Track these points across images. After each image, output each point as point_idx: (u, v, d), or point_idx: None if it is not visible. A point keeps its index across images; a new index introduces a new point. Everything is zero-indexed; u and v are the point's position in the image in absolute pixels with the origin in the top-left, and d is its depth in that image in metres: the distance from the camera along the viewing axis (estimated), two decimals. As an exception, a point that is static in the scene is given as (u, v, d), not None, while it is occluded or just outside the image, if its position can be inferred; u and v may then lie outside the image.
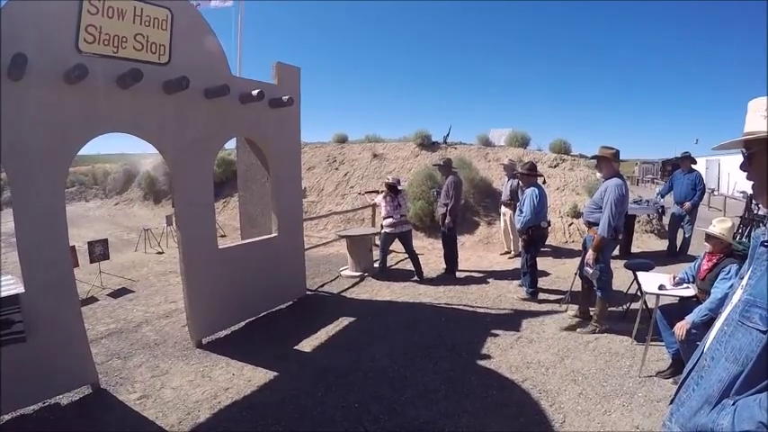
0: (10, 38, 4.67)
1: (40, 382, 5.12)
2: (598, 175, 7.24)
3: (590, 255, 6.36)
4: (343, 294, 9.13)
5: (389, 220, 9.77)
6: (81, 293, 6.58)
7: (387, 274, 10.18)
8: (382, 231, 9.97)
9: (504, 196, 11.65)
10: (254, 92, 6.81)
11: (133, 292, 10.06)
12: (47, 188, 5.14)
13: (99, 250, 10.47)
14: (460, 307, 8.00)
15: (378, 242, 10.83)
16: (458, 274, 10.15)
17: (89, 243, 10.51)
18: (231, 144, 9.37)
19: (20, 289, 5.09)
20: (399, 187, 10.10)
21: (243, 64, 11.03)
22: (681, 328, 4.70)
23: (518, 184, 10.48)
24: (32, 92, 4.92)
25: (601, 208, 6.34)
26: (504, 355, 6.10)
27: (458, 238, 10.66)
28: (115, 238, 16.33)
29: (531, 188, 7.94)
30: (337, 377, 5.68)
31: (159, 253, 14.50)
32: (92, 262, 10.39)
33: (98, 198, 32.30)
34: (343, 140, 21.37)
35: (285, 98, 7.44)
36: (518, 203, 8.56)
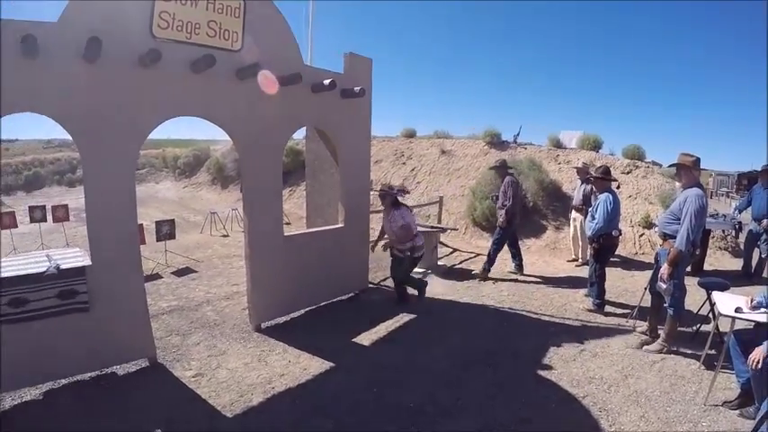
0: (86, 22, 4.87)
1: (99, 351, 5.33)
2: (677, 184, 6.84)
3: (664, 269, 5.95)
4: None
5: (419, 239, 8.04)
6: (146, 270, 6.76)
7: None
8: (410, 256, 7.98)
9: (576, 201, 11.10)
10: (326, 81, 6.83)
11: (196, 272, 10.32)
12: (118, 168, 5.33)
13: (166, 230, 10.75)
14: (524, 313, 7.78)
15: (442, 240, 10.67)
16: (522, 278, 9.91)
17: (157, 222, 10.82)
18: (299, 134, 9.42)
19: (87, 262, 5.33)
20: (401, 198, 8.21)
21: (313, 54, 10.97)
22: (756, 355, 4.32)
23: (591, 189, 10.04)
24: (107, 74, 5.12)
25: (679, 219, 5.94)
26: (566, 367, 5.87)
27: (523, 240, 10.49)
28: (182, 220, 16.79)
29: (605, 194, 7.53)
30: (394, 374, 5.64)
31: (224, 236, 14.86)
32: (158, 240, 10.70)
33: (167, 180, 33.24)
34: (411, 135, 21.22)
35: (357, 89, 7.43)
36: (590, 209, 8.18)
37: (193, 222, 17.08)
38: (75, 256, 5.80)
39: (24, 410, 4.98)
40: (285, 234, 7.16)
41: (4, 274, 4.87)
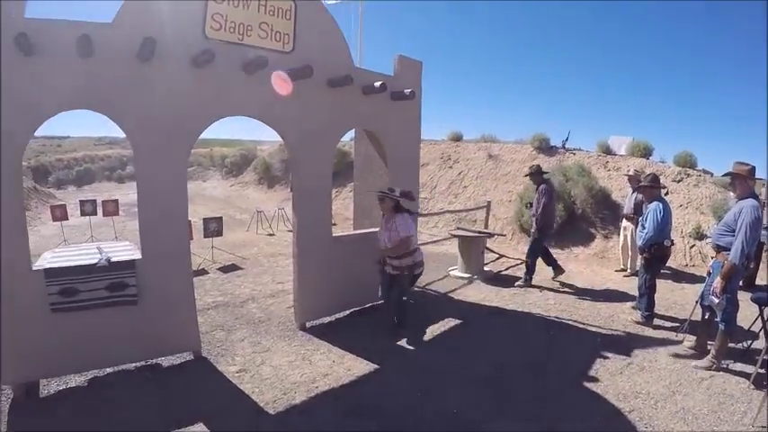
0: (140, 22, 5.02)
1: (144, 342, 5.46)
2: (731, 194, 6.57)
3: (717, 282, 5.71)
4: (450, 295, 8.98)
5: (418, 254, 6.94)
6: (193, 265, 6.87)
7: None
8: (410, 273, 6.88)
9: (627, 209, 10.77)
10: (377, 83, 6.86)
11: (242, 269, 10.49)
12: (170, 165, 5.48)
13: (213, 227, 10.94)
14: (570, 322, 7.64)
15: (488, 245, 10.44)
16: (569, 288, 9.68)
17: (204, 219, 11.06)
18: (346, 135, 9.44)
19: (137, 255, 5.47)
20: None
21: (363, 56, 10.95)
22: None
23: (643, 198, 9.82)
24: (161, 74, 5.27)
25: (733, 231, 5.70)
26: (612, 380, 5.71)
27: (571, 249, 10.32)
28: (228, 217, 17.00)
29: (655, 202, 7.29)
30: (438, 379, 5.59)
31: (270, 235, 15.06)
32: (205, 237, 10.93)
33: (214, 179, 33.78)
34: (457, 138, 21.01)
35: (407, 91, 7.43)
36: (640, 218, 7.94)
37: (239, 220, 17.34)
38: (126, 250, 5.95)
39: (68, 396, 5.15)
40: (333, 234, 7.22)
41: (57, 264, 5.01)
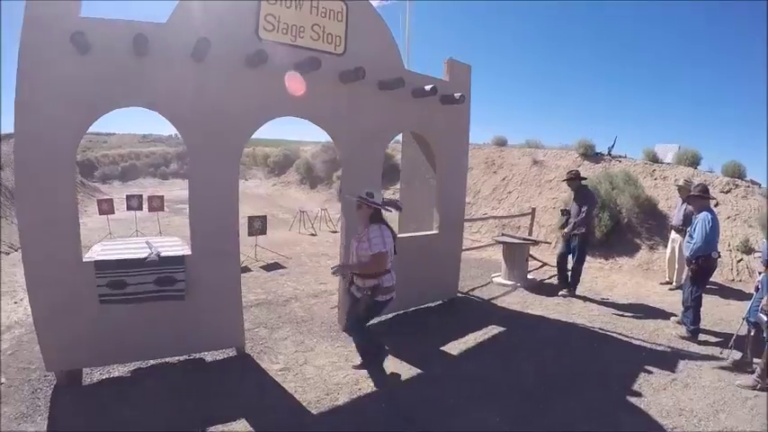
0: (194, 22, 5.14)
1: (189, 337, 5.54)
2: None
3: (766, 300, 5.58)
4: (493, 302, 8.89)
5: (387, 280, 5.44)
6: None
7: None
8: (370, 298, 5.42)
9: (676, 221, 10.39)
10: (428, 87, 6.84)
11: (285, 268, 10.60)
12: (223, 163, 5.58)
13: (258, 225, 11.05)
14: (614, 334, 7.47)
15: (532, 253, 10.17)
16: (614, 300, 9.43)
17: (249, 218, 11.14)
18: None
19: (186, 251, 5.59)
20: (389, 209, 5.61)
21: (409, 58, 10.89)
22: None
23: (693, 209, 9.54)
24: (214, 73, 5.37)
25: None
26: (655, 395, 5.57)
27: (615, 259, 10.07)
28: (271, 216, 17.08)
29: (704, 213, 7.12)
30: (481, 387, 5.54)
31: (312, 235, 15.18)
32: (250, 235, 11.03)
33: (256, 178, 34.16)
34: (502, 143, 20.85)
35: (457, 95, 7.38)
36: (688, 229, 7.73)
37: (282, 220, 17.48)
38: (175, 245, 6.06)
39: (110, 385, 5.30)
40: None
41: (107, 257, 5.11)
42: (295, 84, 5.71)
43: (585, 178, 9.85)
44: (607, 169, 15.63)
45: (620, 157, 17.03)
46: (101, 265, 5.06)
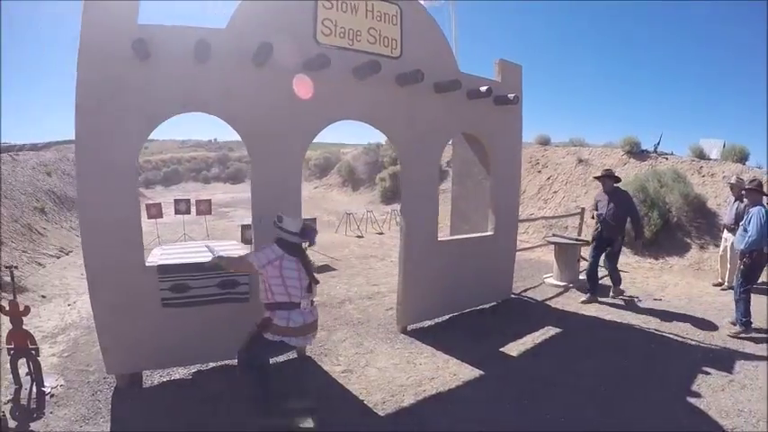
0: (253, 28, 5.22)
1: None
2: None
3: None
4: (547, 303, 8.84)
5: (279, 317, 4.45)
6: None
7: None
8: (256, 329, 4.60)
9: (728, 219, 10.01)
10: (483, 88, 6.80)
11: (335, 270, 10.69)
12: (284, 167, 5.66)
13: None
14: (669, 335, 7.33)
15: (583, 254, 9.88)
16: (667, 300, 9.14)
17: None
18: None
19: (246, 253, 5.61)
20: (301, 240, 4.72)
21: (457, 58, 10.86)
22: None
23: (745, 206, 9.23)
24: (274, 78, 5.46)
25: None
26: (714, 396, 5.48)
27: (665, 258, 9.82)
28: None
29: (758, 207, 7.05)
30: (542, 387, 5.51)
31: (359, 237, 15.25)
32: (301, 238, 11.08)
33: (298, 181, 34.60)
34: (545, 142, 20.51)
35: (511, 96, 7.36)
36: (741, 222, 7.60)
37: (326, 222, 17.58)
38: (235, 248, 6.13)
39: (171, 387, 5.44)
40: (439, 239, 7.23)
41: (168, 261, 5.20)
42: (303, 87, 5.64)
43: (620, 179, 9.30)
44: (654, 167, 15.33)
45: (666, 154, 16.61)
46: (164, 270, 5.18)
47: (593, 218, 9.22)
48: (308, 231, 4.71)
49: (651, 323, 7.83)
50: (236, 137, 5.70)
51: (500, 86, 7.51)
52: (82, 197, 5.00)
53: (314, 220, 11.45)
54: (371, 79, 5.87)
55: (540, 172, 18.02)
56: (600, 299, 8.88)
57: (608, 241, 8.79)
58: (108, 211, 4.93)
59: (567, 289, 9.63)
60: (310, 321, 4.54)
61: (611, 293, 9.17)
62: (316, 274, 4.70)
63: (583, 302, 8.74)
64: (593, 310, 8.43)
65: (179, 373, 5.72)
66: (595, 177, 9.65)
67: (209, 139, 78.49)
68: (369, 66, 5.65)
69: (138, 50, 4.67)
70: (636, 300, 9.07)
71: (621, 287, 9.28)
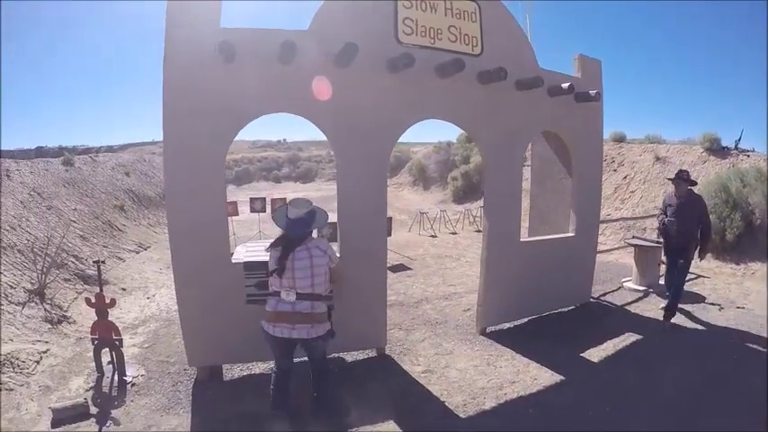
0: (335, 28, 5.31)
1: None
2: None
3: None
4: (627, 308, 8.42)
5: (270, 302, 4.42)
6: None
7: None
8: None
9: None
10: (565, 85, 6.69)
11: (411, 269, 10.67)
12: (369, 166, 5.70)
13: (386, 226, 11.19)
14: (755, 346, 6.87)
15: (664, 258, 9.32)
16: (750, 308, 8.47)
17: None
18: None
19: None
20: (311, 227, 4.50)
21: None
22: None
23: None
24: (357, 77, 5.49)
25: None
26: None
27: (748, 264, 9.27)
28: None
29: None
30: (624, 395, 5.34)
31: (432, 236, 15.19)
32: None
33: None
34: (620, 139, 19.75)
35: (592, 93, 7.17)
36: None
37: (399, 221, 17.57)
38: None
39: (250, 381, 5.61)
40: (520, 239, 7.13)
41: (252, 259, 5.26)
42: (323, 88, 5.49)
43: (696, 183, 7.93)
44: (735, 165, 14.60)
45: (747, 151, 15.68)
46: (250, 267, 5.24)
47: (662, 225, 7.73)
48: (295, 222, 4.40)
49: (733, 333, 7.43)
50: (305, 137, 5.83)
51: (580, 82, 7.31)
52: (170, 196, 5.19)
53: (390, 218, 11.47)
54: (454, 78, 5.83)
55: (615, 170, 17.41)
56: (681, 304, 8.12)
57: (678, 253, 7.54)
58: (196, 210, 5.11)
59: (646, 294, 9.24)
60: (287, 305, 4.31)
61: (664, 323, 7.61)
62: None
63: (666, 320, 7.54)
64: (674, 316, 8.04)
65: (259, 367, 5.86)
66: (669, 179, 8.35)
67: (278, 140, 79.90)
68: (452, 64, 5.60)
69: (224, 52, 4.79)
70: (718, 308, 8.57)
71: (694, 307, 8.42)
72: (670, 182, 7.77)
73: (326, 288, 4.44)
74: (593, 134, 7.97)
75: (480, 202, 18.65)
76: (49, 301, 7.71)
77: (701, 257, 7.67)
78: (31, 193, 11.93)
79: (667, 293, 7.74)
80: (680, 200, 7.41)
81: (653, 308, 8.30)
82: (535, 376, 5.69)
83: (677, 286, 7.54)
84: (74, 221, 12.03)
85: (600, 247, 11.64)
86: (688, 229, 7.37)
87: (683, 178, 7.43)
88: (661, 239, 8.07)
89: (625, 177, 16.71)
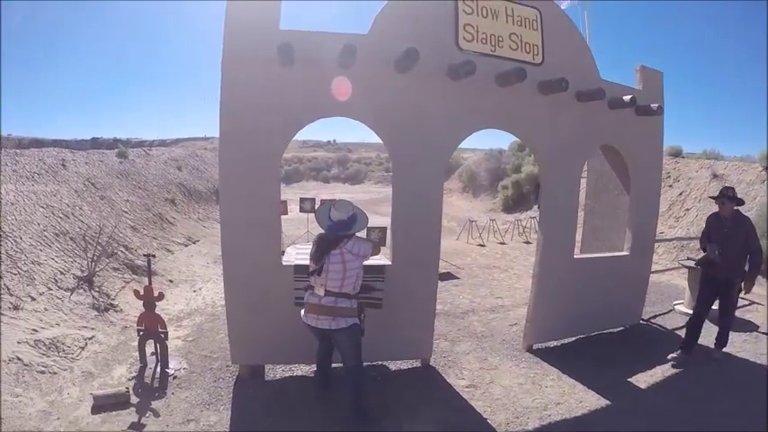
0: (395, 33, 5.24)
1: (378, 344, 5.47)
2: None
3: None
4: (678, 333, 7.88)
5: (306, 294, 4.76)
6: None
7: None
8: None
9: None
10: (627, 97, 6.45)
11: (458, 278, 10.54)
12: (426, 175, 5.64)
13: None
14: None
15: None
16: None
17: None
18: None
19: (386, 261, 5.65)
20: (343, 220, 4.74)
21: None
22: None
23: None
24: (417, 83, 5.40)
25: None
26: None
27: None
28: (437, 224, 17.14)
29: None
30: (673, 426, 5.05)
31: (481, 245, 15.00)
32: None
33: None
34: (676, 154, 19.00)
35: (654, 106, 6.90)
36: None
37: (447, 228, 17.34)
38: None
39: (292, 382, 5.62)
40: (575, 256, 6.94)
41: (304, 262, 5.19)
42: (342, 88, 5.32)
43: (743, 202, 6.88)
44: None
45: None
46: (300, 269, 5.23)
47: (704, 253, 6.72)
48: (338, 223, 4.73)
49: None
50: (355, 139, 5.79)
51: (641, 95, 6.99)
52: (224, 194, 5.26)
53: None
54: (514, 87, 5.68)
55: (671, 186, 16.72)
56: (735, 332, 7.49)
57: (724, 285, 6.48)
58: (249, 209, 5.15)
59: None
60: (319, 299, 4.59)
61: (715, 354, 6.91)
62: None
63: (672, 365, 6.58)
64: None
65: (301, 369, 5.85)
66: (711, 198, 7.08)
67: (328, 140, 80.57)
68: (514, 73, 5.45)
69: (283, 54, 4.78)
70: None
71: (747, 336, 7.71)
72: (714, 201, 6.70)
73: (355, 288, 4.69)
74: (653, 150, 7.66)
75: (530, 213, 18.46)
76: (98, 289, 7.91)
77: (748, 289, 6.58)
78: (86, 182, 12.28)
79: (683, 340, 6.85)
80: (725, 222, 6.50)
81: (705, 334, 7.90)
82: (580, 399, 5.48)
83: (724, 325, 6.75)
84: (125, 212, 12.31)
85: (652, 267, 11.30)
86: (735, 258, 6.37)
87: (728, 196, 6.52)
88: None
89: (680, 194, 16.12)
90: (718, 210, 6.58)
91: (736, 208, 6.55)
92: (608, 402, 5.44)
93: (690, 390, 5.93)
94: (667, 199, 15.95)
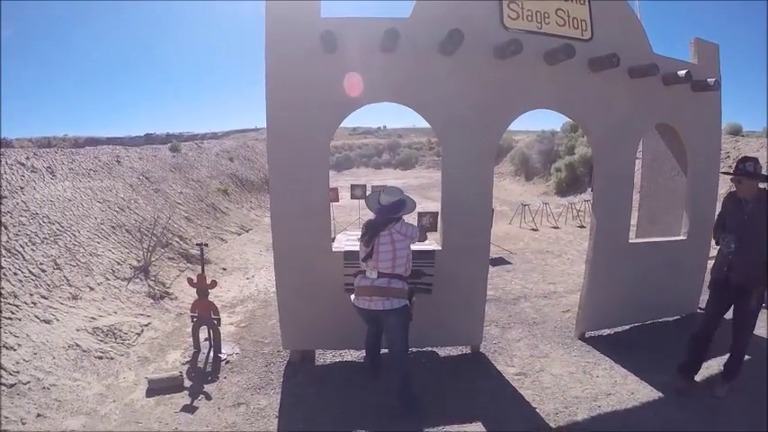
0: (438, 15, 5.14)
1: (428, 330, 5.48)
2: None
3: None
4: None
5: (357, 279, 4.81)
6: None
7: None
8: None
9: None
10: (682, 72, 6.13)
11: (510, 263, 10.39)
12: (475, 158, 5.54)
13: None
14: None
15: None
16: None
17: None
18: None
19: (436, 246, 5.68)
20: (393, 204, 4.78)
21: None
22: None
23: None
24: (461, 65, 5.31)
25: None
26: None
27: None
28: (488, 208, 16.96)
29: None
30: (728, 420, 4.70)
31: (533, 230, 14.75)
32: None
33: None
34: (736, 131, 18.11)
35: (710, 81, 6.51)
36: None
37: (500, 212, 17.12)
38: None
39: (342, 368, 5.69)
40: (630, 241, 6.65)
41: (354, 248, 5.17)
42: (354, 84, 5.21)
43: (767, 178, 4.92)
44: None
45: None
46: (350, 256, 5.26)
47: (717, 243, 5.08)
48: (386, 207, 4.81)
49: None
50: (405, 124, 5.73)
51: (696, 69, 6.53)
52: (274, 183, 5.33)
53: (492, 209, 11.22)
54: (563, 65, 5.47)
55: (730, 167, 16.08)
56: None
57: (739, 289, 4.82)
58: (299, 197, 5.23)
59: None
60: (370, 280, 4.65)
61: (717, 390, 5.19)
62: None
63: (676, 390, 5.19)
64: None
65: (351, 355, 5.88)
66: (724, 173, 6.23)
67: (378, 126, 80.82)
68: (562, 50, 5.23)
69: (326, 42, 4.77)
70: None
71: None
72: (729, 178, 5.13)
73: (407, 269, 4.73)
74: (711, 128, 7.26)
75: (584, 196, 18.04)
76: (153, 278, 8.17)
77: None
78: (140, 177, 12.66)
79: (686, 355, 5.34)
80: (746, 205, 4.79)
81: (764, 324, 7.40)
82: (632, 390, 5.21)
83: (738, 342, 5.08)
84: (179, 204, 12.61)
85: (711, 253, 10.79)
86: (756, 253, 4.66)
87: (745, 171, 4.77)
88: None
89: (743, 175, 15.44)
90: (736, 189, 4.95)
91: (762, 186, 4.84)
92: (660, 395, 5.14)
93: (748, 385, 5.33)
94: (726, 180, 15.15)
